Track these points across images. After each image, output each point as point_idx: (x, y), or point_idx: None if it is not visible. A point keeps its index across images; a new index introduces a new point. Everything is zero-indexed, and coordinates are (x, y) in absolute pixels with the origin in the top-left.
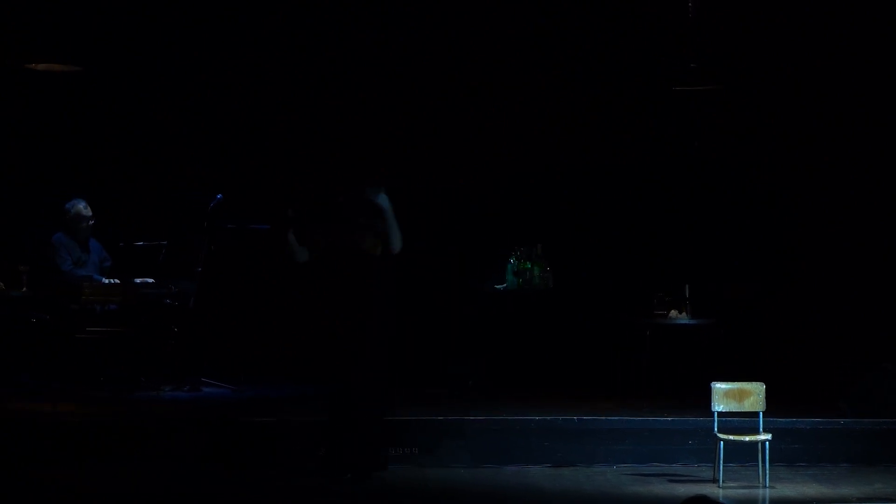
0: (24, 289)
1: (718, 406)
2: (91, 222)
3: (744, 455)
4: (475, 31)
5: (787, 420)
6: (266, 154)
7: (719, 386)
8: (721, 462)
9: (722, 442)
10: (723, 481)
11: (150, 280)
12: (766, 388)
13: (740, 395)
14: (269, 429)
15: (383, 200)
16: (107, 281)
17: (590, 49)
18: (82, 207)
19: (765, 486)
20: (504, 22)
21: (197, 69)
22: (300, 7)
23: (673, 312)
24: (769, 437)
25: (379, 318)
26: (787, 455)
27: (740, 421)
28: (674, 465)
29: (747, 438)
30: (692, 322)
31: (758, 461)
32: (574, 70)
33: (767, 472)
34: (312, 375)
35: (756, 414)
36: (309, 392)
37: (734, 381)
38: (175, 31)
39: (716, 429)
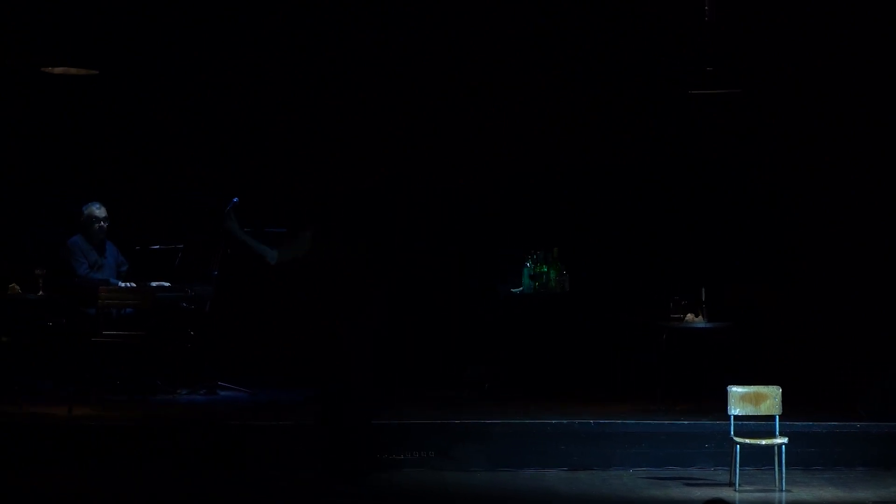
0: (41, 292)
1: (735, 409)
2: (104, 224)
3: (760, 458)
4: (476, 32)
5: (804, 423)
6: (269, 155)
7: (735, 389)
8: (737, 466)
9: (738, 445)
10: (739, 485)
11: (167, 284)
12: (782, 391)
13: (756, 399)
14: (285, 432)
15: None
16: (123, 284)
17: (601, 50)
18: (95, 209)
19: (781, 490)
20: (509, 22)
21: (206, 70)
22: (300, 7)
23: (689, 316)
24: (785, 440)
25: (370, 320)
26: (804, 458)
27: (757, 424)
28: (690, 468)
29: (763, 442)
30: (708, 325)
31: (774, 465)
32: (589, 72)
33: (784, 475)
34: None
35: (772, 417)
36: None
37: (750, 384)
38: (184, 33)
39: (732, 432)
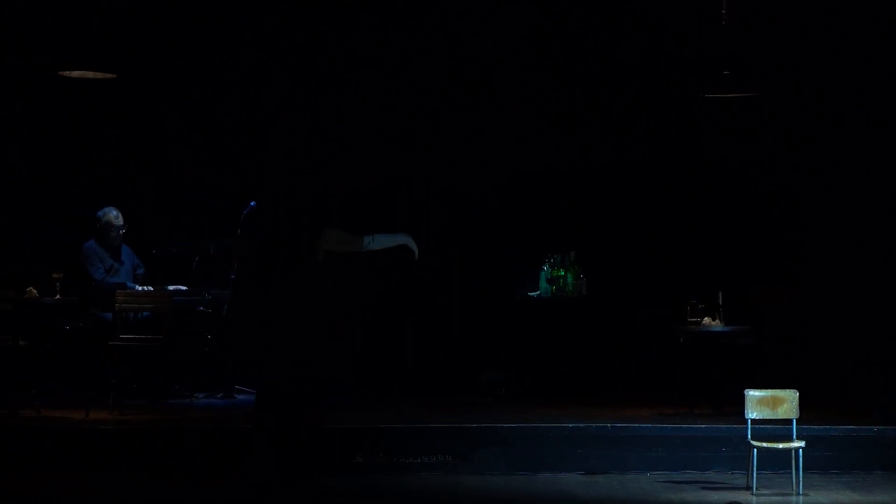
0: (58, 296)
1: (752, 413)
2: (122, 231)
3: (777, 462)
4: (478, 32)
5: (821, 427)
6: (269, 155)
7: (753, 393)
8: (754, 469)
9: (755, 449)
10: (756, 489)
11: (184, 287)
12: (799, 395)
13: (774, 403)
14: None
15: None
16: (140, 288)
17: (615, 53)
18: (113, 217)
19: (798, 494)
20: (512, 23)
21: (206, 70)
22: (300, 7)
23: (706, 320)
24: (802, 444)
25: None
26: (821, 462)
27: (774, 428)
28: (707, 472)
29: (781, 446)
30: (725, 329)
31: (791, 468)
32: (602, 74)
33: (801, 479)
34: (346, 381)
35: (789, 421)
36: (346, 400)
37: (767, 388)
38: (185, 34)
39: (749, 436)
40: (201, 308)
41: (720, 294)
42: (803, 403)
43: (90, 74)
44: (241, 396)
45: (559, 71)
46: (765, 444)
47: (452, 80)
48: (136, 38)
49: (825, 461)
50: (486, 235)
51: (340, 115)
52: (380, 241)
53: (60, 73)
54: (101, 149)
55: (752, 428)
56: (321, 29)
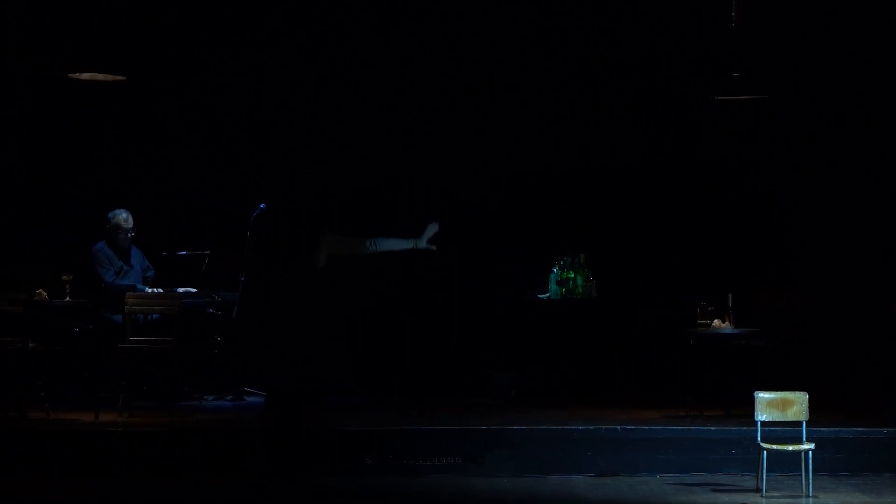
0: (67, 298)
1: (761, 415)
2: (131, 234)
3: (787, 464)
4: (477, 31)
5: (831, 429)
6: (269, 155)
7: (762, 395)
8: (764, 471)
9: (765, 451)
10: (766, 491)
11: (193, 290)
12: (809, 397)
13: (783, 405)
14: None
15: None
16: (150, 290)
17: (623, 55)
18: (122, 219)
19: (808, 496)
20: (515, 23)
21: (206, 70)
22: (300, 7)
23: (716, 322)
24: (812, 446)
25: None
26: (831, 465)
27: (783, 430)
28: (717, 474)
29: (790, 448)
30: (735, 331)
31: (801, 471)
32: (610, 75)
33: (811, 481)
34: (357, 383)
35: (799, 423)
36: (353, 401)
37: (777, 390)
38: (185, 33)
39: (759, 438)
40: (211, 310)
41: (730, 296)
42: (813, 406)
43: (100, 77)
44: (250, 398)
45: (568, 73)
46: (774, 447)
47: (452, 80)
48: (138, 39)
49: (835, 463)
50: (496, 237)
51: (340, 115)
52: (384, 245)
53: (70, 75)
54: (104, 150)
55: (761, 430)
56: (321, 29)
